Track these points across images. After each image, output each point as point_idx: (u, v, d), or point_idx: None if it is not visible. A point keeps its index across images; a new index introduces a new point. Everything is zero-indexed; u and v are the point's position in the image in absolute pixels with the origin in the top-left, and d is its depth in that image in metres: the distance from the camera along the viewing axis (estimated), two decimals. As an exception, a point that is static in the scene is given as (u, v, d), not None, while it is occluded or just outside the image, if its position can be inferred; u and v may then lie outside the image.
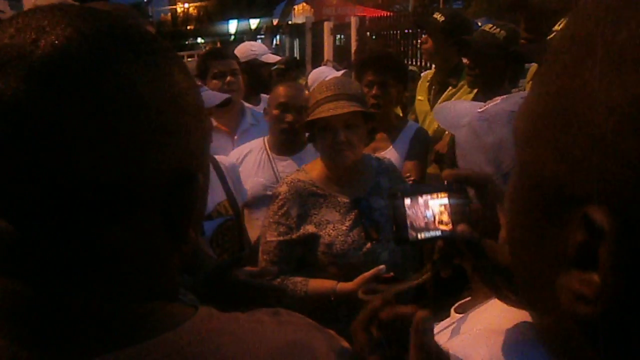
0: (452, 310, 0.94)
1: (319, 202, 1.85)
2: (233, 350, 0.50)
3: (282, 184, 1.89)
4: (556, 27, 1.64)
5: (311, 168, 1.93)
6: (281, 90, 2.37)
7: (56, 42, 0.44)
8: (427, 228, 0.67)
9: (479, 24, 2.75)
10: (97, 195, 0.45)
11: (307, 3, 16.19)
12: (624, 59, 0.30)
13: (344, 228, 1.82)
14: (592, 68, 0.32)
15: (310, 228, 1.82)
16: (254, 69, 3.25)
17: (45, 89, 0.42)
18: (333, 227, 1.81)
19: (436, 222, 0.68)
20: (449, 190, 0.68)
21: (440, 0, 13.89)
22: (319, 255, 1.81)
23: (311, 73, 3.88)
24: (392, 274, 1.69)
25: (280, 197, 1.85)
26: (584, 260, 0.32)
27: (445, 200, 0.68)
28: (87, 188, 0.44)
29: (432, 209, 0.67)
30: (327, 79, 2.20)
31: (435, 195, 0.68)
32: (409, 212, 0.67)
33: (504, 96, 0.94)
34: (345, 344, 0.61)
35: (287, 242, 1.83)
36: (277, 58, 3.22)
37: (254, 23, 16.51)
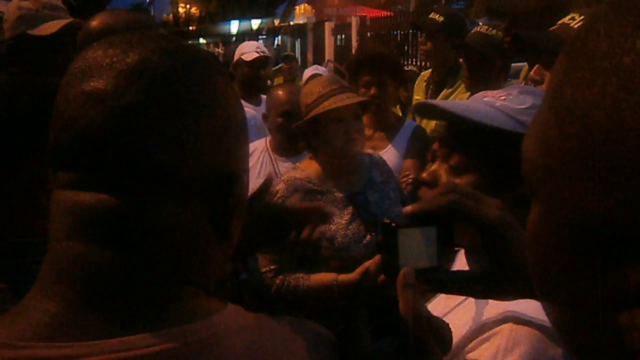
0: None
1: (317, 199, 1.87)
2: (256, 348, 0.54)
3: (279, 182, 1.90)
4: (564, 20, 1.63)
5: (306, 166, 1.95)
6: (283, 96, 2.35)
7: (141, 54, 0.54)
8: (416, 260, 0.66)
9: (480, 24, 2.73)
10: (164, 176, 0.52)
11: (308, 4, 16.22)
12: None
13: (343, 222, 1.84)
14: (629, 100, 0.29)
15: (309, 224, 1.84)
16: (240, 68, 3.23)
17: (127, 88, 0.52)
18: (333, 221, 1.83)
19: (425, 254, 0.67)
20: (438, 223, 0.67)
21: (442, 1, 13.88)
22: (322, 249, 1.82)
23: (305, 72, 3.88)
24: None
25: (278, 195, 1.87)
26: None
27: (434, 233, 0.67)
28: (158, 170, 0.52)
29: (422, 241, 0.67)
30: (323, 77, 2.21)
31: (426, 228, 0.67)
32: (401, 242, 0.66)
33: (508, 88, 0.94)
34: None
35: (287, 239, 1.84)
36: (254, 56, 3.20)
37: (255, 23, 16.53)
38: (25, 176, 0.86)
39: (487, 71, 2.49)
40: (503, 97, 0.92)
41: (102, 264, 0.51)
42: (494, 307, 0.83)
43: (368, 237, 1.84)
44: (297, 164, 2.00)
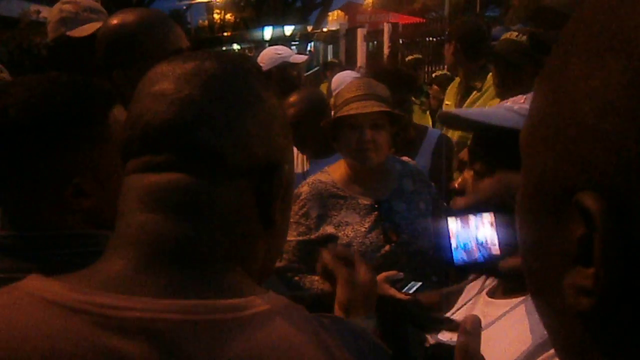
0: (483, 294, 0.93)
1: (339, 204, 1.87)
2: (291, 330, 0.57)
3: (304, 185, 1.91)
4: None
5: (334, 169, 1.95)
6: (289, 102, 2.32)
7: (215, 65, 0.64)
8: (473, 251, 0.66)
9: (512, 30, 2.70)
10: (217, 159, 0.61)
11: (341, 10, 16.26)
12: (600, 49, 0.31)
13: (363, 230, 1.83)
14: (573, 61, 0.33)
15: (329, 229, 1.84)
16: (284, 72, 3.29)
17: (189, 87, 0.62)
18: (352, 228, 1.82)
19: (487, 244, 0.66)
20: (495, 210, 0.66)
21: (477, 7, 13.73)
22: None
23: (335, 77, 3.91)
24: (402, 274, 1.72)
25: (301, 198, 1.88)
26: (587, 256, 0.31)
27: (490, 220, 0.66)
28: (212, 153, 0.60)
29: (479, 231, 0.66)
30: (355, 79, 2.20)
31: (481, 217, 0.66)
32: (455, 233, 0.66)
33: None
34: None
35: (305, 242, 1.85)
36: (304, 58, 3.26)
37: (288, 30, 16.66)
38: (52, 172, 0.90)
39: (517, 78, 2.44)
40: (523, 100, 0.92)
41: (165, 232, 0.58)
42: None
43: (387, 247, 1.81)
44: (326, 167, 1.99)
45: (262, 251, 0.66)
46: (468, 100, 2.88)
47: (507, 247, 0.66)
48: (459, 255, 0.66)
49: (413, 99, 4.10)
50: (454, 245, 0.66)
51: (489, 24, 3.84)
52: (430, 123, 4.00)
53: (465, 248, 0.67)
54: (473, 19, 3.52)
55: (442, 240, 0.66)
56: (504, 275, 0.66)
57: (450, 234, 0.66)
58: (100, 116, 0.94)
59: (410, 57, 6.54)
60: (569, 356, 0.37)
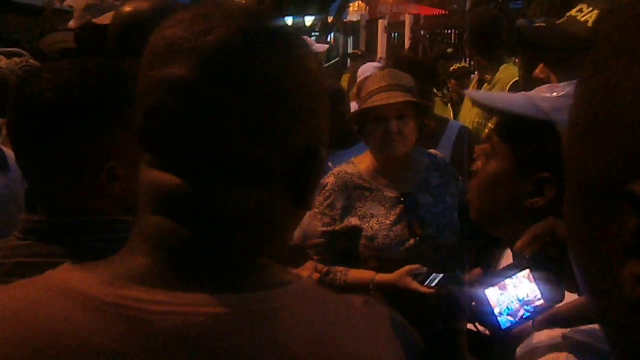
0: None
1: (365, 196, 1.85)
2: (327, 318, 0.56)
3: (330, 176, 1.90)
4: (572, 13, 1.56)
5: (360, 161, 1.93)
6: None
7: (221, 37, 0.54)
8: (518, 311, 0.68)
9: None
10: (240, 163, 0.55)
11: (362, 1, 16.14)
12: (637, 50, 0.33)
13: (388, 223, 1.81)
14: (614, 63, 0.35)
15: (354, 220, 1.83)
16: None
17: (211, 75, 0.53)
18: (377, 221, 1.81)
19: (530, 300, 0.68)
20: (529, 266, 0.68)
21: (499, 0, 13.53)
22: (360, 248, 1.81)
23: (361, 68, 3.92)
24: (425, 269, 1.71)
25: (327, 189, 1.87)
26: None
27: (527, 276, 0.68)
28: (232, 156, 0.54)
29: (519, 290, 0.68)
30: (379, 71, 2.19)
31: (517, 277, 0.68)
32: (495, 302, 0.67)
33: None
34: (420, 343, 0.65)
35: (330, 233, 1.85)
36: (326, 47, 3.28)
37: (309, 20, 16.60)
38: (87, 156, 0.89)
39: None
40: (544, 89, 0.93)
41: (175, 237, 0.55)
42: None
43: (412, 241, 1.80)
44: (352, 158, 1.98)
45: (290, 231, 0.63)
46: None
47: (551, 298, 0.68)
48: (505, 321, 0.68)
49: (435, 90, 4.07)
50: (497, 312, 0.68)
51: (512, 17, 3.80)
52: (452, 115, 3.96)
53: (509, 311, 0.68)
54: (491, 11, 3.48)
55: (484, 310, 0.68)
56: (567, 320, 0.68)
57: (492, 304, 0.68)
58: (132, 100, 0.94)
59: (436, 51, 6.48)
60: (626, 350, 0.37)
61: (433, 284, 1.69)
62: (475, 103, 0.97)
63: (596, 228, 0.36)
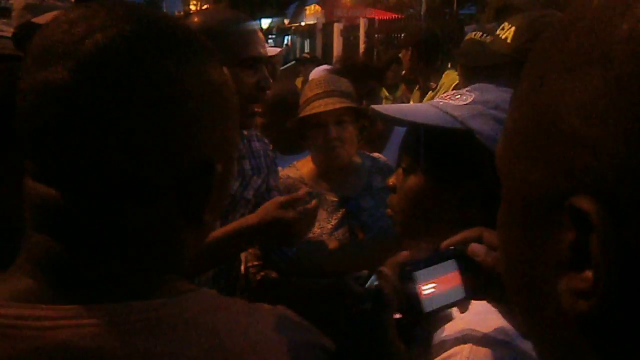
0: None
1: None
2: (226, 326, 0.55)
3: (272, 180, 1.89)
4: (497, 31, 1.64)
5: (303, 165, 1.93)
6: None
7: (99, 42, 0.50)
8: (439, 297, 0.70)
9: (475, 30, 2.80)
10: (120, 177, 0.51)
11: (318, 4, 16.19)
12: (579, 64, 0.33)
13: (329, 227, 1.81)
14: (552, 77, 0.35)
15: (295, 225, 1.82)
16: None
17: (86, 82, 0.50)
18: (319, 225, 1.80)
19: (451, 288, 0.71)
20: (455, 256, 0.71)
21: (453, 5, 13.83)
22: (301, 252, 1.81)
23: (313, 71, 3.92)
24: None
25: (269, 193, 1.86)
26: (579, 260, 0.32)
27: (451, 264, 0.71)
28: (113, 170, 0.51)
29: (442, 277, 0.70)
30: (316, 77, 2.19)
31: (442, 264, 0.71)
32: (419, 285, 0.69)
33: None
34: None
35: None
36: (278, 50, 3.27)
37: (265, 23, 16.54)
38: (16, 162, 0.86)
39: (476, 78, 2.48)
40: (449, 97, 0.91)
41: (55, 254, 0.52)
42: (456, 322, 0.79)
43: None
44: (295, 162, 1.97)
45: (188, 247, 0.59)
46: (425, 99, 2.95)
47: (472, 288, 0.71)
48: (427, 304, 0.70)
49: (386, 93, 4.11)
50: (420, 296, 0.69)
51: (462, 23, 3.96)
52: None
53: (432, 296, 0.70)
54: (426, 26, 3.70)
55: (408, 292, 0.69)
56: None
57: (417, 287, 0.69)
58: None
59: (388, 54, 6.55)
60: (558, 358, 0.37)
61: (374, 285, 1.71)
62: (384, 117, 0.94)
63: (533, 242, 0.36)
